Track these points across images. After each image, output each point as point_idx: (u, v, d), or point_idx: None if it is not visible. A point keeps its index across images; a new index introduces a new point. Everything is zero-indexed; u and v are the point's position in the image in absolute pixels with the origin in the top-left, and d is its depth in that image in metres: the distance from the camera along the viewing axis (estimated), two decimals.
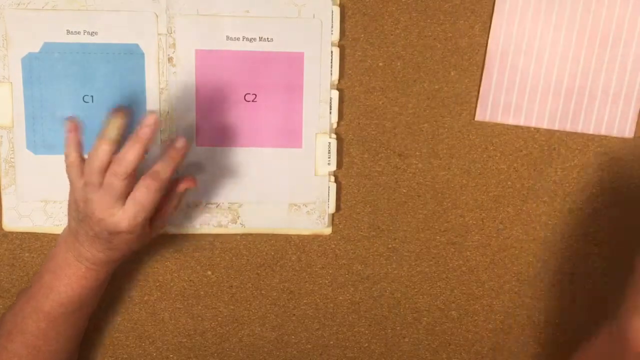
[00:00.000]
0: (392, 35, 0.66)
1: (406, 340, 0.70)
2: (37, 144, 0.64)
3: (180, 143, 0.58)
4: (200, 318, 0.69)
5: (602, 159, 0.68)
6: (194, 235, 0.67)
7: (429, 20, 0.66)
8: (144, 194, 0.56)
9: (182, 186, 0.61)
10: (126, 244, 0.58)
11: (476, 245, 0.69)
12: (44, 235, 0.66)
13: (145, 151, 0.56)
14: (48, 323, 0.59)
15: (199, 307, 0.69)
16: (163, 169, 0.57)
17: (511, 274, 0.70)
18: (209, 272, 0.68)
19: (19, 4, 0.62)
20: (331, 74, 0.65)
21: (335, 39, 0.64)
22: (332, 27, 0.64)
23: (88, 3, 0.63)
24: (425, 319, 0.70)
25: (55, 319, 0.59)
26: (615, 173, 0.68)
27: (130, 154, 0.55)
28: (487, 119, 0.67)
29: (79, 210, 0.58)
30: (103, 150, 0.56)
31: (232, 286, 0.69)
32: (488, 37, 0.66)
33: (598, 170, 0.68)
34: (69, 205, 0.60)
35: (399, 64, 0.66)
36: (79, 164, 0.57)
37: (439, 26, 0.66)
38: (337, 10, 0.64)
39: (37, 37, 0.63)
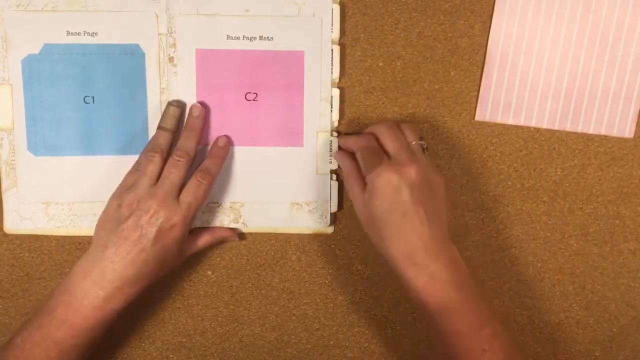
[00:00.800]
0: (392, 35, 0.66)
1: (406, 340, 0.70)
2: (37, 146, 0.64)
3: (221, 142, 0.64)
4: (200, 318, 0.69)
5: (602, 159, 0.68)
6: None
7: (429, 20, 0.66)
8: (196, 186, 0.60)
9: (222, 232, 0.66)
10: (167, 248, 0.59)
11: (476, 245, 0.69)
12: (45, 235, 0.66)
13: (199, 141, 0.62)
14: (58, 353, 0.57)
15: (199, 307, 0.69)
16: (211, 165, 0.62)
17: (511, 274, 0.70)
18: (209, 272, 0.68)
19: (18, 5, 0.62)
20: (332, 72, 0.65)
21: (335, 37, 0.64)
22: (332, 25, 0.64)
23: (88, 4, 0.63)
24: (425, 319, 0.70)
25: (65, 349, 0.58)
26: (615, 173, 0.68)
27: (189, 142, 0.61)
28: (487, 119, 0.67)
29: (120, 215, 0.58)
30: (163, 136, 0.61)
31: (232, 286, 0.69)
32: (488, 37, 0.66)
33: (598, 170, 0.68)
34: (104, 215, 0.60)
35: (399, 64, 0.66)
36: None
37: (439, 26, 0.66)
38: (337, 9, 0.64)
39: (37, 39, 0.62)
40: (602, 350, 0.71)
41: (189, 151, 0.61)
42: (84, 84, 0.63)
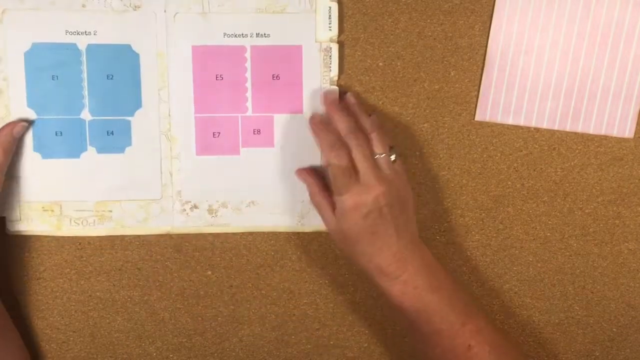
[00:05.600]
0: (392, 35, 0.66)
1: (406, 340, 0.70)
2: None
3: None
4: (200, 318, 0.69)
5: (602, 159, 0.68)
6: (194, 235, 0.67)
7: (429, 20, 0.66)
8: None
9: (6, 129, 0.62)
10: None
11: (476, 245, 0.69)
12: (45, 235, 0.66)
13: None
14: None
15: (199, 307, 0.69)
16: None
17: (511, 274, 0.70)
18: (209, 272, 0.68)
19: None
20: (330, 69, 0.65)
21: (333, 34, 0.64)
22: (330, 22, 0.64)
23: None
24: None
25: None
26: (615, 173, 0.68)
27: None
28: (487, 119, 0.67)
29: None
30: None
31: (232, 286, 0.69)
32: (488, 37, 0.66)
33: (598, 170, 0.68)
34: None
35: (399, 64, 0.66)
36: None
37: (439, 26, 0.66)
38: (335, 6, 0.64)
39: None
40: (602, 350, 0.71)
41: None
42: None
